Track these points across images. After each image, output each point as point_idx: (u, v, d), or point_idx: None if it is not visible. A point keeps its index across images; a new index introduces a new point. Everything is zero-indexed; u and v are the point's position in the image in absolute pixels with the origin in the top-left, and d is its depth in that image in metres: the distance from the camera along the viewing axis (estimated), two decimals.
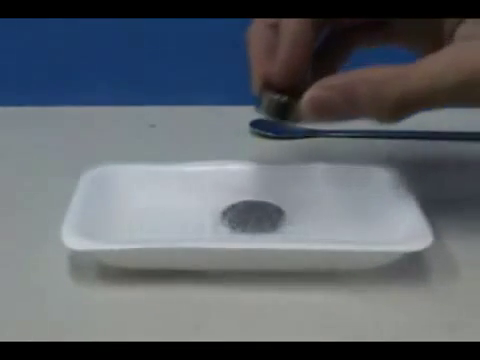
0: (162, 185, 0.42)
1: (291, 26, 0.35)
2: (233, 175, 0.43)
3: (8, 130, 0.54)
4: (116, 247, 0.36)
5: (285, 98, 0.36)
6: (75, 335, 0.33)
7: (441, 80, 0.33)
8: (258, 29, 0.37)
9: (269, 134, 0.52)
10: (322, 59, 0.37)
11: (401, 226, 0.38)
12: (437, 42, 0.36)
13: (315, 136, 0.51)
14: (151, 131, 0.54)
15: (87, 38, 0.58)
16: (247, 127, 0.52)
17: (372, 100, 0.34)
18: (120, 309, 0.35)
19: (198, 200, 0.42)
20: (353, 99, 0.34)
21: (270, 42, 0.37)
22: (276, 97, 0.36)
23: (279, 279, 0.36)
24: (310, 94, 0.35)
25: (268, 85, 0.37)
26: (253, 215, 0.40)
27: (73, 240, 0.35)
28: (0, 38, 0.58)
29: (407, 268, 0.37)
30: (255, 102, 0.37)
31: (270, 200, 0.42)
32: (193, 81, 0.57)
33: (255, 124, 0.52)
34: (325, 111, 0.35)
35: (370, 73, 0.34)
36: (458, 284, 0.36)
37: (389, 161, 0.43)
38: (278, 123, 0.37)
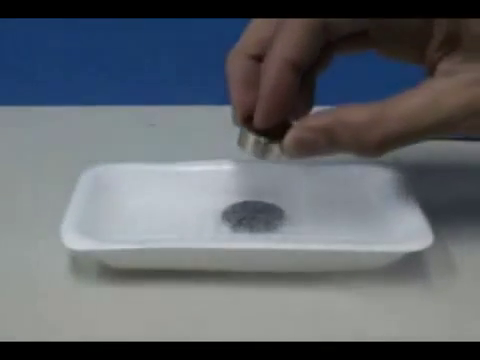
0: (162, 185, 0.42)
1: (272, 69, 0.36)
2: (233, 175, 0.43)
3: (8, 130, 0.54)
4: (116, 247, 0.36)
5: (266, 140, 0.37)
6: (75, 335, 0.33)
7: (418, 121, 0.34)
8: (237, 60, 0.37)
9: None
10: (304, 72, 0.37)
11: (401, 226, 0.38)
12: (417, 55, 0.36)
13: None
14: (151, 131, 0.54)
15: (87, 38, 0.58)
16: None
17: (353, 142, 0.35)
18: (120, 309, 0.35)
19: (198, 200, 0.42)
20: (334, 140, 0.35)
21: (250, 73, 0.37)
22: (257, 139, 0.37)
23: (279, 279, 0.36)
24: (292, 135, 0.36)
25: (249, 118, 0.37)
26: (253, 215, 0.40)
27: (73, 240, 0.35)
28: (0, 38, 0.58)
29: (407, 268, 0.37)
30: (238, 140, 0.38)
31: (270, 200, 0.42)
32: (193, 81, 0.57)
33: None
34: (307, 151, 0.36)
35: (351, 115, 0.35)
36: (458, 284, 0.36)
37: (389, 161, 0.43)
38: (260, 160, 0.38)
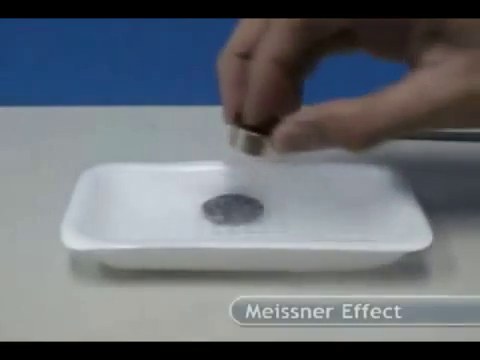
0: (162, 185, 0.42)
1: (260, 69, 0.36)
2: (234, 175, 0.43)
3: (8, 130, 0.54)
4: (116, 246, 0.36)
5: (257, 136, 0.37)
6: (75, 335, 0.33)
7: (405, 112, 0.34)
8: (227, 59, 0.38)
9: None
10: (292, 70, 0.38)
11: (401, 226, 0.38)
12: (400, 54, 0.37)
13: None
14: (151, 131, 0.54)
15: (87, 38, 0.58)
16: None
17: (342, 135, 0.35)
18: (120, 309, 0.35)
19: (199, 200, 0.42)
20: (323, 135, 0.35)
21: (240, 72, 0.37)
22: (248, 134, 0.37)
23: (278, 279, 0.36)
24: (281, 130, 0.36)
25: (239, 117, 0.38)
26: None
27: (72, 239, 0.35)
28: (0, 38, 0.58)
29: (407, 268, 0.37)
30: (229, 138, 0.38)
31: (271, 200, 0.42)
32: (193, 81, 0.57)
33: None
34: (297, 146, 0.36)
35: (338, 108, 0.35)
36: (458, 284, 0.36)
37: (389, 161, 0.43)
38: (252, 157, 0.38)
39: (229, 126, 0.38)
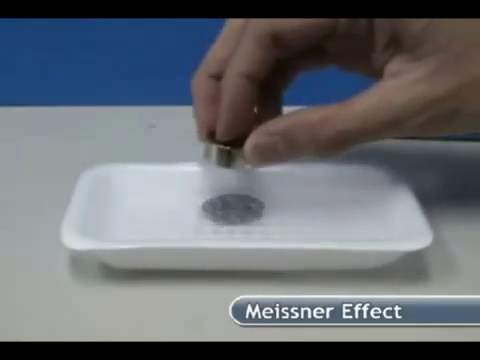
0: (162, 185, 0.42)
1: (229, 83, 0.37)
2: (233, 175, 0.43)
3: (8, 130, 0.54)
4: (116, 246, 0.36)
5: (229, 149, 0.38)
6: (75, 335, 0.33)
7: (371, 118, 0.35)
8: (199, 79, 0.39)
9: None
10: (265, 87, 0.39)
11: (401, 225, 0.38)
12: (367, 68, 0.38)
13: None
14: (151, 131, 0.54)
15: (87, 38, 0.58)
16: None
17: (310, 141, 0.36)
18: (120, 309, 0.35)
19: (198, 200, 0.42)
20: (292, 143, 0.36)
21: (212, 90, 0.39)
22: (221, 148, 0.38)
23: (277, 278, 0.36)
24: (251, 141, 0.37)
25: (212, 134, 0.38)
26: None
27: (72, 239, 0.35)
28: (0, 38, 0.58)
29: (407, 268, 0.37)
30: (203, 152, 0.39)
31: (270, 200, 0.42)
32: None
33: None
34: (268, 156, 0.37)
35: (306, 115, 0.36)
36: (458, 284, 0.36)
37: (389, 161, 0.43)
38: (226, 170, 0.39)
39: (205, 143, 0.39)
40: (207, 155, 0.39)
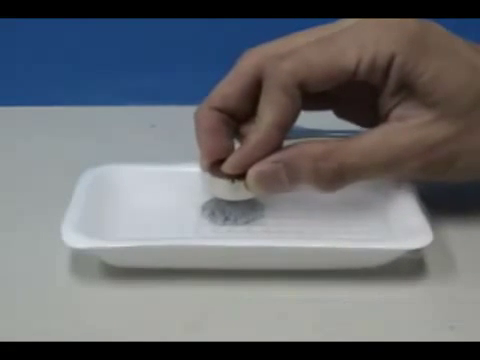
0: (162, 185, 0.42)
1: (260, 133, 0.37)
2: None
3: (8, 130, 0.54)
4: (115, 245, 0.36)
5: (234, 181, 0.38)
6: (75, 335, 0.33)
7: (372, 157, 0.37)
8: (203, 111, 0.39)
9: None
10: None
11: (401, 224, 0.38)
12: (364, 115, 0.40)
13: (315, 136, 0.51)
14: (151, 131, 0.54)
15: (87, 38, 0.58)
16: None
17: (312, 172, 0.37)
18: (120, 309, 0.35)
19: (198, 200, 0.42)
20: (294, 173, 0.37)
21: (213, 122, 0.39)
22: (226, 182, 0.39)
23: (278, 277, 0.36)
24: (255, 168, 0.38)
25: (215, 163, 0.39)
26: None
27: (73, 238, 0.35)
28: (0, 38, 0.58)
29: (407, 267, 0.37)
30: (207, 184, 0.40)
31: (270, 200, 0.42)
32: (193, 81, 0.57)
33: None
34: (269, 184, 0.38)
35: (310, 147, 0.37)
36: (458, 284, 0.37)
37: None
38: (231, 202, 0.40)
39: (208, 173, 0.40)
40: (211, 186, 0.40)
